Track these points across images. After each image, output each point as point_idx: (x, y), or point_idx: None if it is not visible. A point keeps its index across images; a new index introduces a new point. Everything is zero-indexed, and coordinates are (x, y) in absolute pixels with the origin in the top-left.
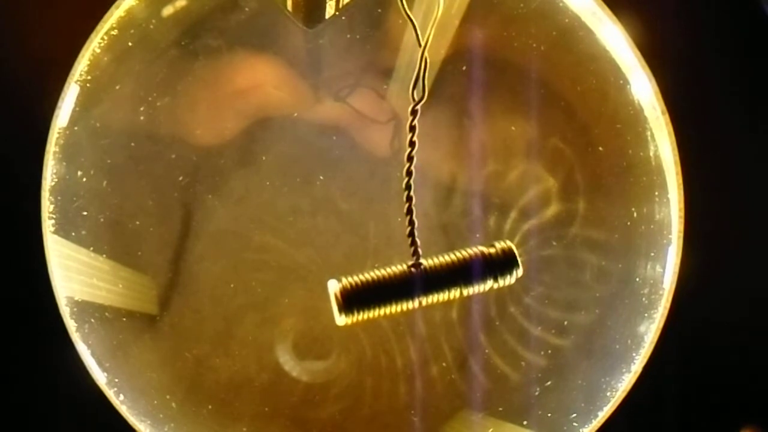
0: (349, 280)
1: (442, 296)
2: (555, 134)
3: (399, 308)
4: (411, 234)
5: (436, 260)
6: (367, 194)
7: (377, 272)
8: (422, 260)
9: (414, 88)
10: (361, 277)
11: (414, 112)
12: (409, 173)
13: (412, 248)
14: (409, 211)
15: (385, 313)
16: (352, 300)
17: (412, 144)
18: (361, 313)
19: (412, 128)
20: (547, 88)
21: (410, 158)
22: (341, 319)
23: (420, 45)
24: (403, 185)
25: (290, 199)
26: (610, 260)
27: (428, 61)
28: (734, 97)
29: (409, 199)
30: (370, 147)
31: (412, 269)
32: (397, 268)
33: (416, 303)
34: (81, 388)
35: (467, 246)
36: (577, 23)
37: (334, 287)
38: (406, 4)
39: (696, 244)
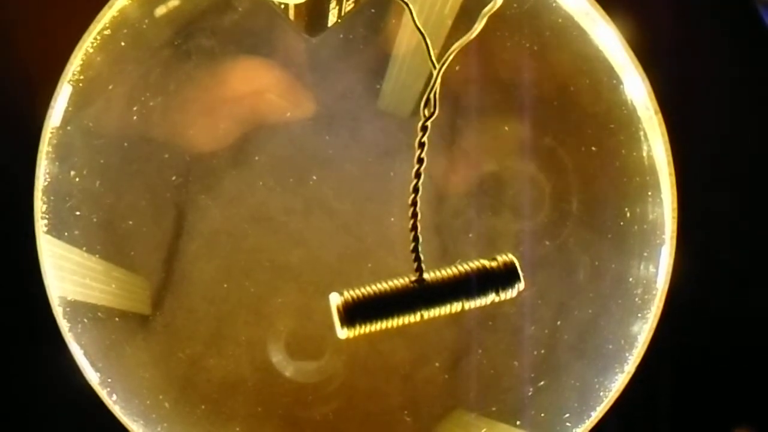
0: (350, 294)
1: (443, 310)
2: (548, 134)
3: (400, 322)
4: (415, 250)
5: (438, 274)
6: (361, 194)
7: (379, 285)
8: (424, 274)
9: (425, 105)
10: (362, 290)
11: (424, 128)
12: (415, 190)
13: (416, 264)
14: (414, 228)
15: (386, 326)
16: (353, 313)
17: (420, 161)
18: (363, 326)
19: (421, 144)
20: (540, 88)
21: (418, 175)
22: (342, 333)
23: (434, 67)
24: (409, 201)
25: (283, 199)
26: (603, 260)
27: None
28: (727, 96)
29: (414, 215)
30: (363, 147)
31: (415, 283)
32: (399, 282)
33: (418, 317)
34: (74, 388)
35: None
36: (570, 23)
37: (335, 300)
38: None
39: (689, 244)
